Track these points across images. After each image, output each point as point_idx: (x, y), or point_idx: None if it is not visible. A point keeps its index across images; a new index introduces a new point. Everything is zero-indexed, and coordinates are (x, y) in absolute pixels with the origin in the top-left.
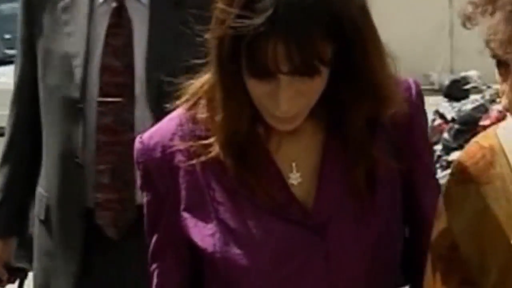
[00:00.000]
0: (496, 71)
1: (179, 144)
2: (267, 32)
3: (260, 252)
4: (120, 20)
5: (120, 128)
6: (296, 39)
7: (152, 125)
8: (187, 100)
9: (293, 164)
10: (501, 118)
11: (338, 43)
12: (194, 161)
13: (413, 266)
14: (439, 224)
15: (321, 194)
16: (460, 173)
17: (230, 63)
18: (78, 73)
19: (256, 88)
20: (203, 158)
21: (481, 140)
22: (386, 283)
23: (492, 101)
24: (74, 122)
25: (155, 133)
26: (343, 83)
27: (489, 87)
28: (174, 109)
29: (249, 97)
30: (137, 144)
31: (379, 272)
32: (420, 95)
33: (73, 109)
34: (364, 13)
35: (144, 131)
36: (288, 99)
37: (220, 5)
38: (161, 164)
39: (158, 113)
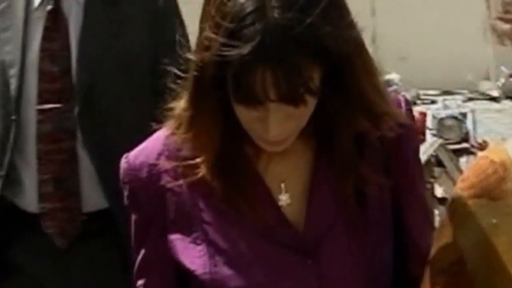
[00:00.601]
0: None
1: (165, 165)
2: (254, 61)
3: (251, 273)
4: (56, 23)
5: (60, 135)
6: (284, 68)
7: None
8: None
9: (282, 185)
10: (421, 119)
11: (326, 67)
12: (180, 182)
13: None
14: (442, 239)
15: (311, 215)
16: (470, 188)
17: (211, 88)
18: (13, 83)
19: (244, 114)
20: (190, 179)
21: (491, 155)
22: None
23: (413, 103)
24: (8, 133)
25: (141, 152)
26: (332, 102)
27: (407, 89)
28: (158, 129)
29: (229, 117)
30: (123, 164)
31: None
32: (410, 112)
33: (8, 121)
34: (353, 35)
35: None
36: (277, 123)
37: (206, 32)
38: (147, 185)
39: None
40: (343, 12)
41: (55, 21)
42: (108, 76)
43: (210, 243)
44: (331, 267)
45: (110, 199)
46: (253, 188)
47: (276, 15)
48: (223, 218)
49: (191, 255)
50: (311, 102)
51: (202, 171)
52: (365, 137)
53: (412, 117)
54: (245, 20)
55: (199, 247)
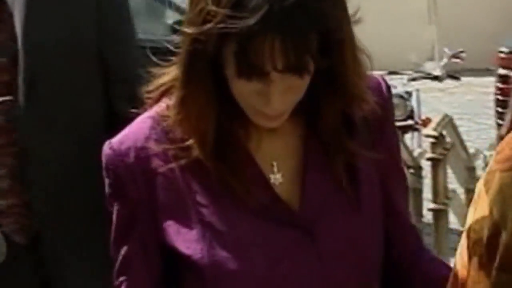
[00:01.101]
0: None
1: (155, 148)
2: (262, 31)
3: (250, 254)
4: (0, 14)
5: (13, 127)
6: (292, 36)
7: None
8: (155, 98)
9: (274, 165)
10: None
11: (319, 42)
12: (172, 165)
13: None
14: (478, 210)
15: (306, 193)
16: (505, 160)
17: (206, 64)
18: None
19: (245, 88)
20: (183, 162)
21: None
22: (374, 282)
23: None
24: None
25: (126, 137)
26: (320, 80)
27: None
28: (140, 112)
29: (220, 96)
30: (106, 150)
31: (369, 269)
32: (389, 91)
33: None
34: (346, 13)
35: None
36: (279, 96)
37: (204, 4)
38: (134, 170)
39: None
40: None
41: (1, 12)
42: (53, 66)
43: (205, 226)
44: (329, 244)
45: None
46: (246, 168)
47: None
48: (218, 200)
49: (186, 239)
50: (310, 73)
51: (195, 153)
52: (351, 116)
53: (391, 95)
54: None
55: (194, 231)
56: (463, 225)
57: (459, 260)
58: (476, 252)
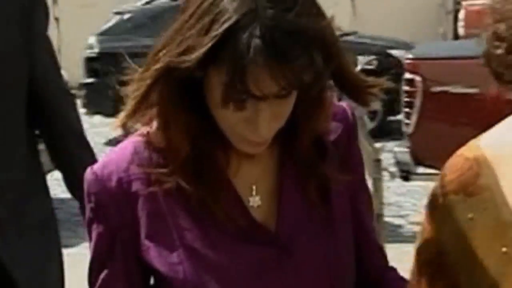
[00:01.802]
0: None
1: (137, 172)
2: (252, 61)
3: (230, 275)
4: None
5: None
6: (282, 64)
7: None
8: (144, 122)
9: (254, 188)
10: None
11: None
12: (155, 189)
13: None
14: (425, 233)
15: (282, 215)
16: (447, 185)
17: (184, 93)
18: None
19: (231, 116)
20: (164, 186)
21: (465, 152)
22: None
23: None
24: None
25: (109, 162)
26: (297, 106)
27: None
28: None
29: (201, 121)
30: (88, 176)
31: (343, 286)
32: (354, 117)
33: None
34: (330, 27)
35: None
36: (267, 123)
37: (187, 36)
38: (116, 195)
39: None
40: (316, 4)
41: None
42: None
43: (188, 249)
44: (305, 263)
45: None
46: (224, 192)
47: (268, 15)
48: (199, 223)
49: (169, 262)
50: (293, 100)
51: (176, 178)
52: (322, 140)
53: (356, 121)
54: (239, 22)
55: (176, 253)
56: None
57: (412, 279)
58: (425, 272)
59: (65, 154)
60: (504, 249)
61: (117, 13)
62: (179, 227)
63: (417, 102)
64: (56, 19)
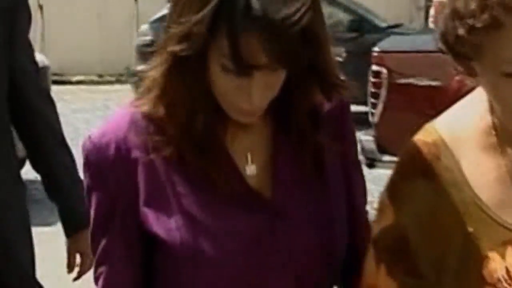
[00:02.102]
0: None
1: (135, 140)
2: (250, 29)
3: (225, 242)
4: None
5: None
6: (277, 34)
7: None
8: (142, 93)
9: (249, 157)
10: None
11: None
12: (153, 156)
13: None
14: (383, 220)
15: (276, 183)
16: (407, 168)
17: (189, 60)
18: None
19: (226, 83)
20: (163, 153)
21: (422, 136)
22: (337, 268)
23: None
24: None
25: (106, 131)
26: (290, 76)
27: None
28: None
29: (204, 91)
30: (86, 144)
31: (336, 252)
32: (347, 105)
33: None
34: (322, 16)
35: None
36: (260, 92)
37: (188, 14)
38: (115, 162)
39: None
40: None
41: None
42: None
43: (185, 214)
44: (300, 229)
45: None
46: (222, 160)
47: None
48: (197, 189)
49: (167, 228)
50: (285, 71)
51: (174, 145)
52: (317, 111)
53: (349, 105)
54: None
55: (173, 219)
56: None
57: (367, 269)
58: (384, 259)
59: (44, 155)
60: (470, 229)
61: (169, 0)
62: (176, 194)
63: (383, 93)
64: (40, 6)
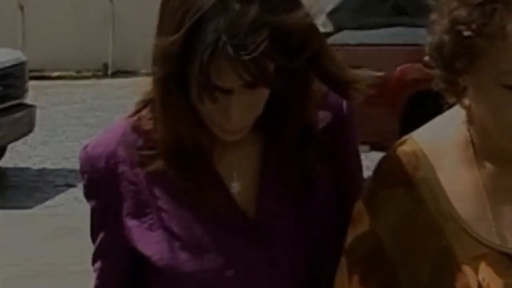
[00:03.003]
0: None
1: (123, 155)
2: (220, 54)
3: (205, 258)
4: None
5: None
6: (250, 57)
7: None
8: (138, 108)
9: (234, 174)
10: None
11: (280, 56)
12: (137, 171)
13: None
14: (358, 228)
15: (261, 203)
16: (386, 177)
17: (170, 80)
18: None
19: (207, 108)
20: (147, 169)
21: (403, 146)
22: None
23: None
24: None
25: (99, 142)
26: (282, 93)
27: None
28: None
29: (189, 109)
30: (81, 154)
31: (320, 279)
32: (350, 107)
33: None
34: (309, 20)
35: None
36: (239, 112)
37: (163, 36)
38: (105, 174)
39: None
40: None
41: None
42: None
43: (165, 229)
44: (282, 252)
45: None
46: (207, 177)
47: (236, 8)
48: (179, 205)
49: (148, 241)
50: (266, 91)
51: (160, 161)
52: (310, 128)
53: (352, 112)
54: (206, 14)
55: (155, 233)
56: None
57: (339, 280)
58: (358, 270)
59: None
60: (445, 242)
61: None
62: (158, 209)
63: None
64: (21, 7)
